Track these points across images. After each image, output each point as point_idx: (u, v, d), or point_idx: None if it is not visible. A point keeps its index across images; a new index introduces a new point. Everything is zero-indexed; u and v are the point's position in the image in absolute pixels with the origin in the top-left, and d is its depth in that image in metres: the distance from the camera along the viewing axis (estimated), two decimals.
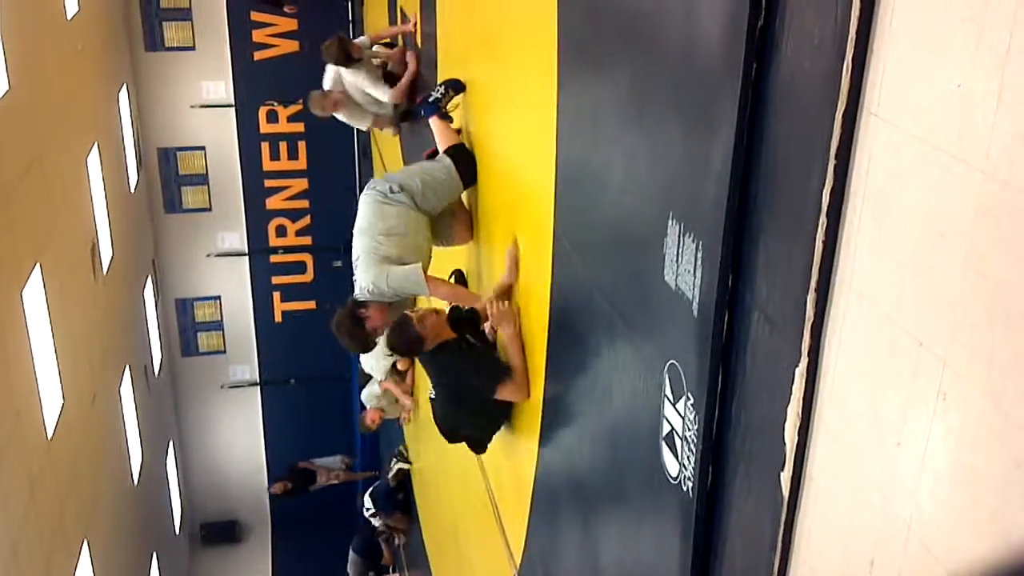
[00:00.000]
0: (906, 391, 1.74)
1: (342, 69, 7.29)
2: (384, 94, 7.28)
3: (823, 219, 1.91)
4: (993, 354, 1.53)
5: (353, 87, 7.44)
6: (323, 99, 7.56)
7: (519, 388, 4.35)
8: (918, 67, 1.68)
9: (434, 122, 5.38)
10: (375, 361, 8.66)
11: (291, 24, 13.79)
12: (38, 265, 7.65)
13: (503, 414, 4.63)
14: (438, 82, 5.75)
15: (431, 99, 5.41)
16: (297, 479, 12.87)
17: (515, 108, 4.46)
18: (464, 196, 5.46)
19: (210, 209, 14.26)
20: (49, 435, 7.64)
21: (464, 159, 5.22)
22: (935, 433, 1.68)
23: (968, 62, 1.55)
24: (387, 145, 9.78)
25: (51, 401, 7.75)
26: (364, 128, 8.21)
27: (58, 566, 7.65)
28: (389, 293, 4.85)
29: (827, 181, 1.88)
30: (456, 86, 5.45)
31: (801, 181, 1.97)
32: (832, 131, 1.86)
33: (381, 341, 7.34)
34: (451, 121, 5.45)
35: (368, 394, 9.51)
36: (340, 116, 7.76)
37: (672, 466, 2.64)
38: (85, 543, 8.57)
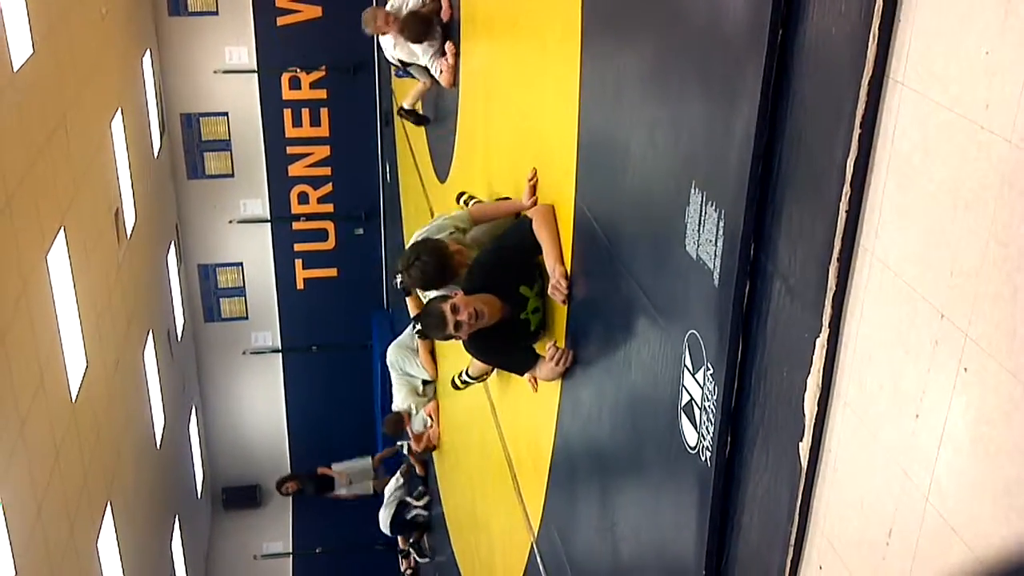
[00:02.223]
0: (927, 363, 1.73)
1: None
2: (436, 71, 6.85)
3: (847, 188, 1.89)
4: (1015, 327, 1.52)
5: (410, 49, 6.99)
6: (377, 14, 6.86)
7: (545, 378, 4.32)
8: (946, 34, 1.66)
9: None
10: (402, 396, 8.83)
11: None
12: (62, 229, 7.71)
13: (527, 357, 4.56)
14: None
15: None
16: (310, 483, 12.26)
17: (537, 76, 4.44)
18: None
19: (232, 175, 14.29)
20: (73, 398, 7.72)
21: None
22: (955, 405, 1.67)
23: (996, 30, 1.53)
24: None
25: (75, 364, 7.83)
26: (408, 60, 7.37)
27: (82, 527, 7.75)
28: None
29: (852, 150, 1.87)
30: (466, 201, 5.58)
31: (825, 150, 1.95)
32: (858, 99, 1.84)
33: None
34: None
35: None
36: (389, 43, 7.15)
37: (691, 436, 2.64)
38: (108, 505, 8.68)
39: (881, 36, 1.78)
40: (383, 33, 7.04)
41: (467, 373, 5.66)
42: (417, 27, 6.59)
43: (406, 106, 8.16)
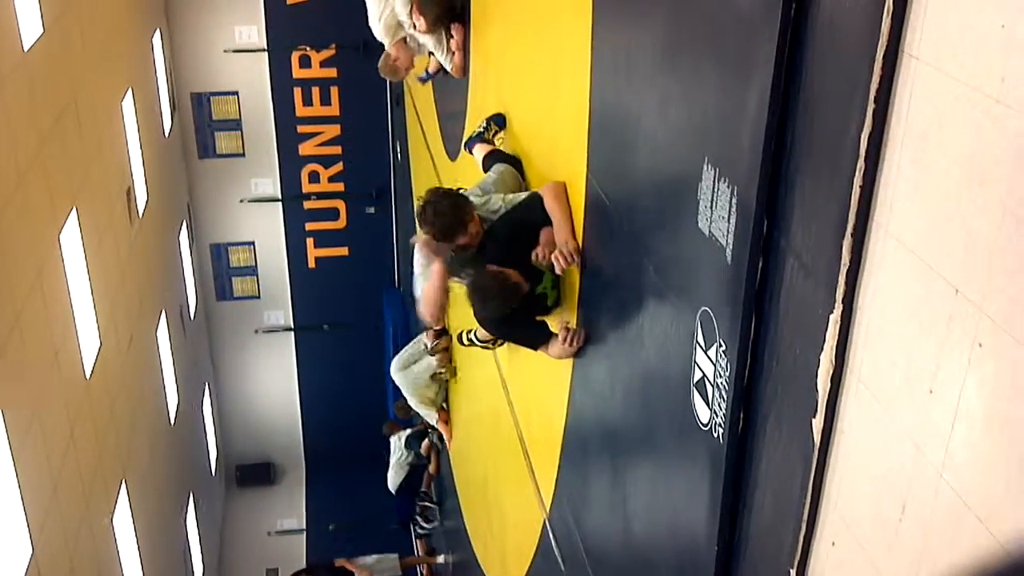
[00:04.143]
0: (940, 338, 1.73)
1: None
2: (447, 63, 6.68)
3: (861, 163, 1.88)
4: None
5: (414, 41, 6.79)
6: (396, 63, 6.83)
7: (556, 357, 4.26)
8: (961, 8, 1.64)
9: (477, 148, 5.42)
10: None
11: None
12: (75, 209, 7.72)
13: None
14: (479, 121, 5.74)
15: (475, 133, 5.48)
16: None
17: (548, 50, 4.42)
18: None
19: (243, 155, 14.29)
20: (87, 376, 7.76)
21: (508, 156, 5.15)
22: (969, 381, 1.67)
23: (1013, 2, 1.51)
24: (420, 93, 9.73)
25: (89, 343, 7.87)
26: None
27: (97, 504, 7.81)
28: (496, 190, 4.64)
29: (865, 125, 1.85)
30: (499, 121, 5.47)
31: (839, 125, 1.94)
32: (872, 74, 1.82)
33: None
34: (493, 145, 5.46)
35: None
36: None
37: (703, 413, 2.64)
38: (123, 482, 8.74)
39: (895, 10, 1.77)
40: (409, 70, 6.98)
41: (476, 335, 5.65)
42: (436, 8, 6.33)
43: None
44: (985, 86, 1.58)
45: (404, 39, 6.72)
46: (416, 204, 4.43)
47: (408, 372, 9.10)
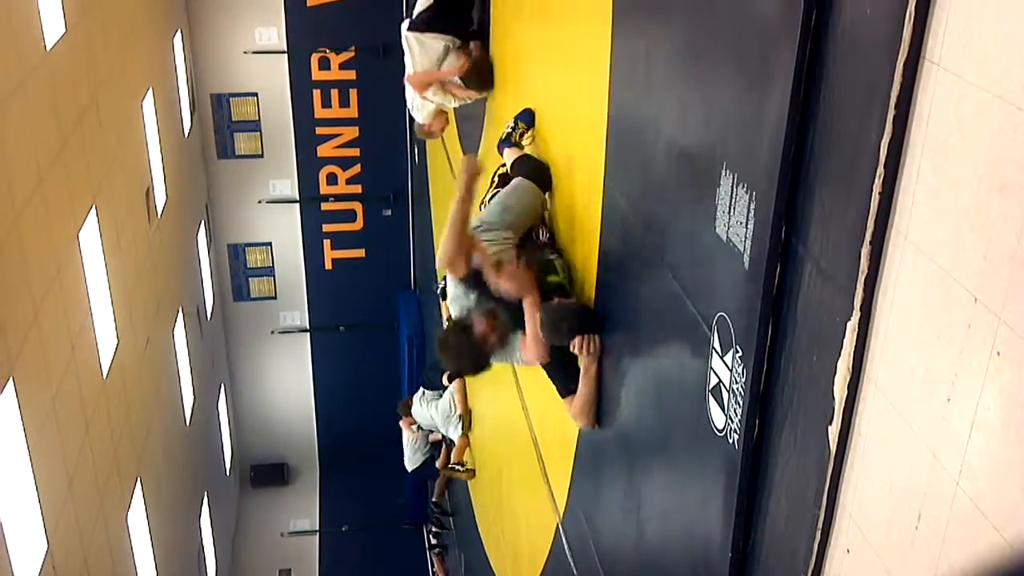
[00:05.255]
0: (959, 346, 1.72)
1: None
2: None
3: (880, 170, 1.87)
4: None
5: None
6: (424, 131, 7.64)
7: (578, 411, 4.21)
8: (983, 14, 1.64)
9: (506, 152, 5.41)
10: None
11: None
12: (94, 208, 7.77)
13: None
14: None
15: (504, 135, 5.47)
16: None
17: (568, 55, 4.42)
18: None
19: (262, 156, 14.34)
20: (104, 375, 7.80)
21: (534, 170, 5.07)
22: (987, 390, 1.66)
23: None
24: None
25: (106, 341, 7.91)
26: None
27: (112, 502, 7.84)
28: (510, 218, 4.69)
29: (886, 132, 1.85)
30: (527, 119, 5.41)
31: (859, 131, 1.94)
32: (892, 80, 1.82)
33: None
34: (521, 148, 5.42)
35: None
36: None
37: (718, 418, 2.63)
38: (138, 480, 8.77)
39: (917, 16, 1.76)
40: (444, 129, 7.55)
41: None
42: (483, 71, 6.55)
43: None
44: (1007, 93, 1.57)
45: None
46: (437, 342, 4.59)
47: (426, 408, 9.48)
